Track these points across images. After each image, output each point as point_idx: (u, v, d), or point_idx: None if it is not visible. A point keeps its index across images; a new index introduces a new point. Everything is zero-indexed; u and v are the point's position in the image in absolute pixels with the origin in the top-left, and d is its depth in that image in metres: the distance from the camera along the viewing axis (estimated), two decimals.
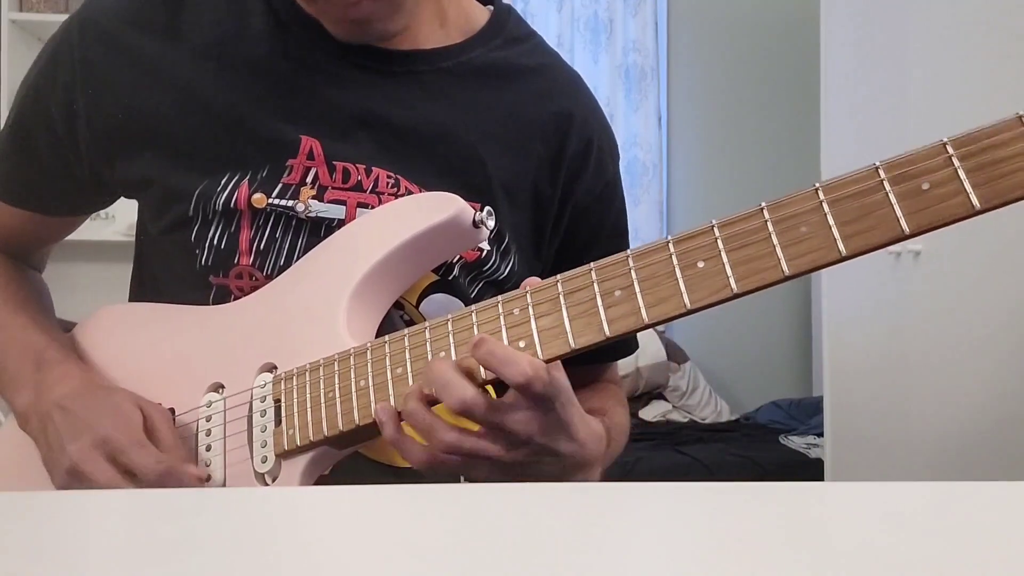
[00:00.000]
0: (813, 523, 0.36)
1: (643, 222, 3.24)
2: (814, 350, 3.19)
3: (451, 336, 0.57)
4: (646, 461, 2.41)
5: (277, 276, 0.69)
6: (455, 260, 0.71)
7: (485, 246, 0.72)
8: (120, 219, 2.69)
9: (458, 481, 0.74)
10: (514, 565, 0.29)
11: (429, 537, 0.33)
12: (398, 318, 0.70)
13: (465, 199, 0.72)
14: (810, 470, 2.43)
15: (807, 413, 2.88)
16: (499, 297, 0.57)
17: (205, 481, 0.62)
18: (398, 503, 0.40)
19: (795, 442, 2.67)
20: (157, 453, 0.61)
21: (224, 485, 0.63)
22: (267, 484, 0.62)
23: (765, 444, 2.66)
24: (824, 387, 2.23)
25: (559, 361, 0.56)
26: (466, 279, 0.73)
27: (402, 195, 0.70)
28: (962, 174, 0.46)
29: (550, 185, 0.77)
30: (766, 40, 3.34)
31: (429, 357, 0.58)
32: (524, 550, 0.31)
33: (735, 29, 3.37)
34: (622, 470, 2.35)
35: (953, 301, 1.91)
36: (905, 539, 0.32)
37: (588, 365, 0.83)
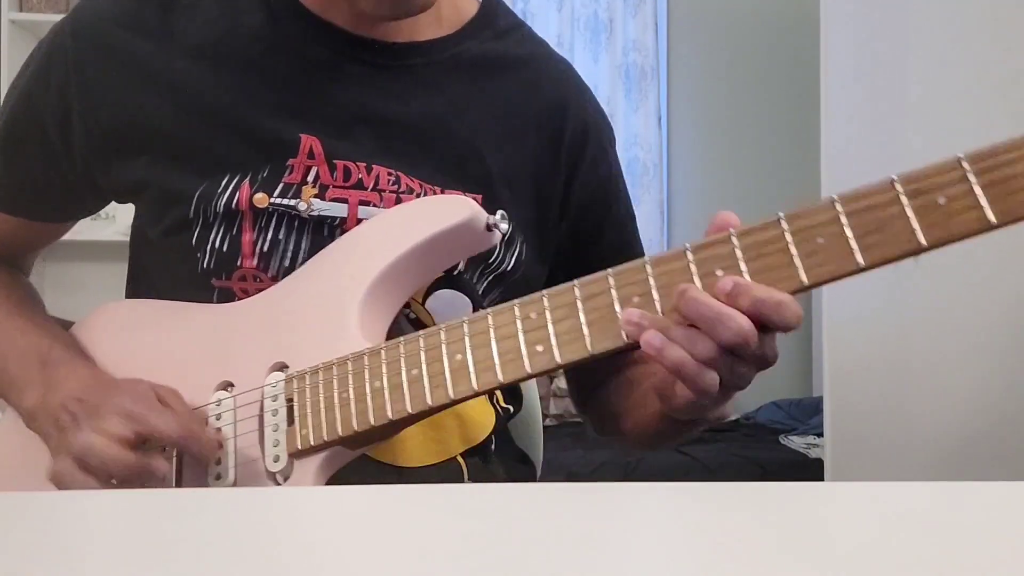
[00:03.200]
0: (813, 523, 0.36)
1: (643, 222, 3.23)
2: (814, 350, 3.18)
3: (467, 339, 0.58)
4: (646, 461, 2.41)
5: (282, 277, 0.68)
6: None
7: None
8: (120, 219, 2.68)
9: (462, 480, 0.74)
10: (516, 565, 0.29)
11: (432, 538, 0.33)
12: (403, 316, 0.70)
13: (464, 192, 0.72)
14: (810, 470, 2.42)
15: (807, 413, 2.88)
16: (515, 301, 0.57)
17: (219, 449, 0.63)
18: (402, 504, 0.40)
19: (795, 442, 2.67)
20: (178, 415, 0.62)
21: (235, 485, 0.63)
22: (279, 484, 0.62)
23: (765, 444, 2.66)
24: (824, 387, 2.22)
25: None
26: (473, 275, 0.73)
27: (403, 192, 0.70)
28: (978, 190, 0.47)
29: (551, 173, 0.77)
30: (766, 40, 3.33)
31: (445, 360, 0.58)
32: (526, 550, 0.31)
33: (735, 29, 3.36)
34: (623, 470, 2.35)
35: (953, 302, 1.90)
36: (905, 539, 0.32)
37: None
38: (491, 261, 0.73)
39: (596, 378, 0.83)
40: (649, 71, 3.28)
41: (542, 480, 0.94)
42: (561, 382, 2.93)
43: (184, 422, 0.61)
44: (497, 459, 0.78)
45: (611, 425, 0.81)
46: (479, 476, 0.75)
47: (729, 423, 2.99)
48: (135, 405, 0.62)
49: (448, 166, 0.73)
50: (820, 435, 2.43)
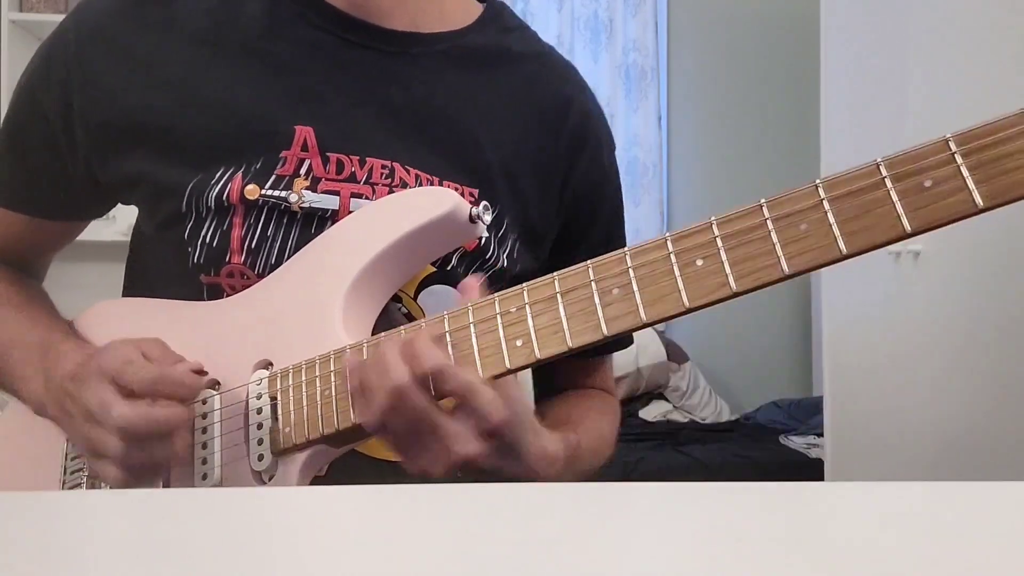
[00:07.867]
0: (813, 523, 0.36)
1: (643, 222, 3.24)
2: (814, 350, 3.19)
3: (448, 335, 0.57)
4: (646, 461, 2.41)
5: (268, 274, 0.68)
6: (454, 250, 0.71)
7: (484, 233, 0.71)
8: (120, 219, 2.68)
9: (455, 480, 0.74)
10: (514, 565, 0.29)
11: (430, 538, 0.33)
12: (396, 311, 0.70)
13: (463, 182, 0.71)
14: (810, 470, 2.42)
15: (807, 413, 2.88)
16: (495, 295, 0.57)
17: (203, 376, 0.63)
18: (400, 503, 0.40)
19: (795, 442, 2.67)
20: (146, 364, 0.61)
21: (221, 484, 0.63)
22: (264, 482, 0.62)
23: (765, 444, 2.66)
24: (824, 387, 2.23)
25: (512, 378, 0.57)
26: (466, 270, 0.72)
27: (396, 185, 0.70)
28: (965, 171, 0.46)
29: (552, 168, 0.77)
30: (766, 40, 3.34)
31: None
32: (524, 550, 0.31)
33: (735, 29, 3.37)
34: (622, 470, 2.35)
35: (953, 301, 1.90)
36: (905, 539, 0.32)
37: (577, 359, 0.81)
38: (488, 258, 0.72)
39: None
40: (649, 71, 3.28)
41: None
42: None
43: (154, 370, 0.61)
44: None
45: None
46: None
47: (729, 423, 2.99)
48: (109, 361, 0.62)
49: (446, 154, 0.72)
50: (820, 435, 2.43)
